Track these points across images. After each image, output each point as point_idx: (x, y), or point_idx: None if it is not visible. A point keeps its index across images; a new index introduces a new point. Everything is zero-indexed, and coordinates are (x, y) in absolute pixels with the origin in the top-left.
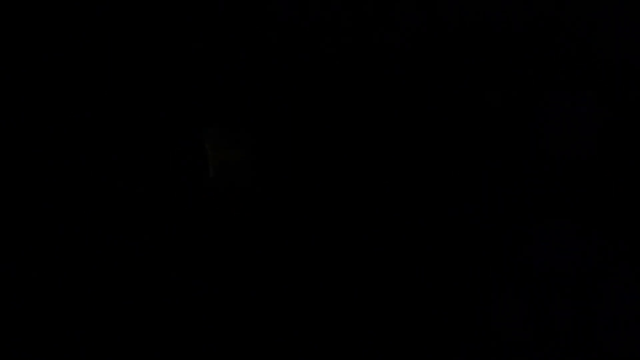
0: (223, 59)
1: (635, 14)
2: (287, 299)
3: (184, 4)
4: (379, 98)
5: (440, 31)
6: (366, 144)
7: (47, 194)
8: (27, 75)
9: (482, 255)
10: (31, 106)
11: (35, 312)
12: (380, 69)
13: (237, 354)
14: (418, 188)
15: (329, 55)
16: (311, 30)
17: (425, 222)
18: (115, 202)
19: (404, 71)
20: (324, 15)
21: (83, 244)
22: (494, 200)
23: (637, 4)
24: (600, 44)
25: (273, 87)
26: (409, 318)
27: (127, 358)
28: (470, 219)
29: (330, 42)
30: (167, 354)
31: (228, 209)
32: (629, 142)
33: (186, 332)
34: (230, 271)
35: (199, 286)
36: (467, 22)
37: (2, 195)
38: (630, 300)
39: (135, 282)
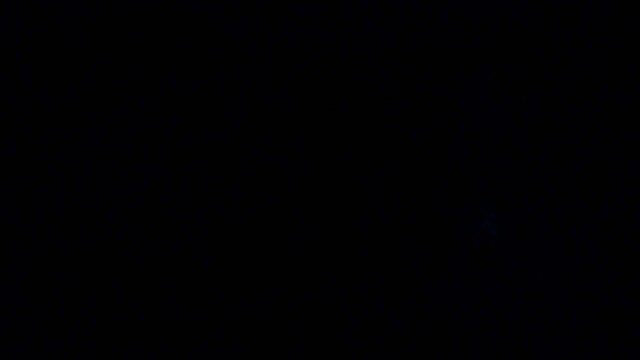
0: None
1: None
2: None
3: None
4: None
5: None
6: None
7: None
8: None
9: (415, 244)
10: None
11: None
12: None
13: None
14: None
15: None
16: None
17: (357, 215)
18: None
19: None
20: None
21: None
22: (420, 191)
23: None
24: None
25: (273, 87)
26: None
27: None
28: (400, 210)
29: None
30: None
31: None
32: (545, 120)
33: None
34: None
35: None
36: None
37: None
38: (553, 267)
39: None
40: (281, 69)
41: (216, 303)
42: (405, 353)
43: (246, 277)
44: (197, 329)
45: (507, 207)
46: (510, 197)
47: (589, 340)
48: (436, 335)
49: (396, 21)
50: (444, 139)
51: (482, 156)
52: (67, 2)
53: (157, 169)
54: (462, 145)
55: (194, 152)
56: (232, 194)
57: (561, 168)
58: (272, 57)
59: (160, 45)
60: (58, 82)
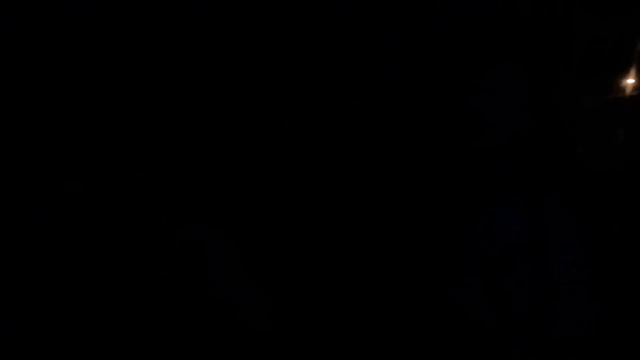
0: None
1: None
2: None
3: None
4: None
5: None
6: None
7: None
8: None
9: (437, 243)
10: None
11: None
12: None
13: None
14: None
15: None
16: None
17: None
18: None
19: None
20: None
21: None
22: (441, 189)
23: None
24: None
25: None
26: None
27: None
28: (421, 208)
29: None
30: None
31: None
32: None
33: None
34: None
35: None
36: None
37: None
38: (575, 266)
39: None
40: (281, 69)
41: (216, 303)
42: (426, 352)
43: (246, 277)
44: (197, 329)
45: (529, 205)
46: (531, 195)
47: (611, 340)
48: (457, 334)
49: (412, 18)
50: (464, 137)
51: (502, 153)
52: (67, 2)
53: (157, 168)
54: (482, 142)
55: (194, 152)
56: (232, 194)
57: (580, 163)
58: (272, 57)
59: (160, 45)
60: (58, 82)
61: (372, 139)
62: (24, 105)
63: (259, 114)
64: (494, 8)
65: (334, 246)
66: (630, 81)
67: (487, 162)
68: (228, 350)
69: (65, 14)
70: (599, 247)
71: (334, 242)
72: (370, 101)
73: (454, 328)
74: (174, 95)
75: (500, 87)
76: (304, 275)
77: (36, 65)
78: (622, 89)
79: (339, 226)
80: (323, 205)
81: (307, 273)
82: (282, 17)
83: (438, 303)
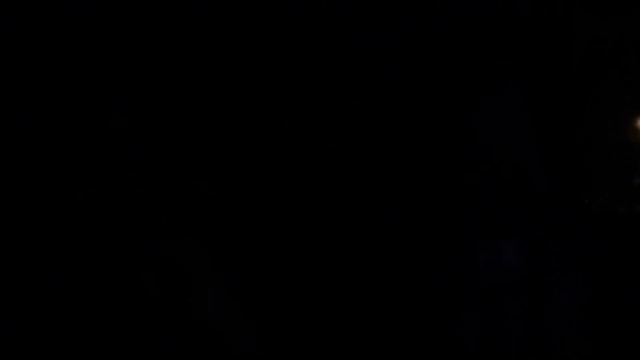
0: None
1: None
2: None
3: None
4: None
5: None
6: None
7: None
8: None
9: (437, 275)
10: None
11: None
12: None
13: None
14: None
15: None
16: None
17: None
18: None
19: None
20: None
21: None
22: (443, 222)
23: None
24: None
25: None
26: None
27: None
28: (422, 240)
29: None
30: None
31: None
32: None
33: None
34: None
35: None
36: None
37: None
38: (571, 300)
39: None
40: (281, 69)
41: (216, 303)
42: None
43: (246, 277)
44: (197, 329)
45: (528, 240)
46: (530, 230)
47: None
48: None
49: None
50: (465, 170)
51: (503, 187)
52: (67, 2)
53: (157, 168)
54: (484, 176)
55: (194, 152)
56: (232, 193)
57: (580, 200)
58: (272, 57)
59: (160, 45)
60: (57, 82)
61: (370, 170)
62: (23, 105)
63: (259, 114)
64: (494, 18)
65: (322, 270)
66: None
67: (488, 194)
68: None
69: (65, 13)
70: (597, 287)
71: (322, 266)
72: (370, 132)
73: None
74: (174, 95)
75: (504, 119)
76: (287, 298)
77: (35, 65)
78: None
79: (327, 252)
80: (308, 231)
81: (291, 296)
82: (280, 17)
83: (435, 333)
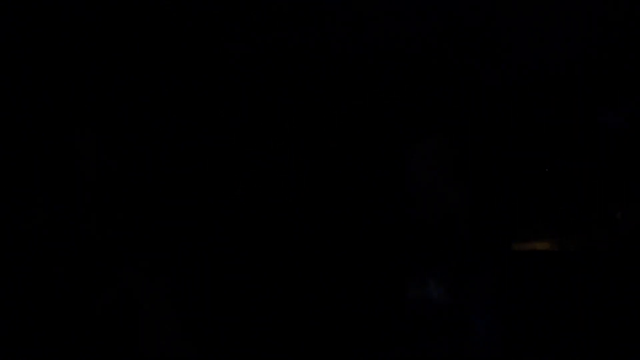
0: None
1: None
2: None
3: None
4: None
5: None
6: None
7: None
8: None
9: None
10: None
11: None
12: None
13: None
14: None
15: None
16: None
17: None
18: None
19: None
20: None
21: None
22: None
23: None
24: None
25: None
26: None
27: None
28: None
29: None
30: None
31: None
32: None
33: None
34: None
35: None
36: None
37: None
38: (492, 333)
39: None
40: (281, 69)
41: (216, 302)
42: None
43: (246, 276)
44: (197, 328)
45: (452, 274)
46: (454, 265)
47: None
48: None
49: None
50: (395, 213)
51: (429, 226)
52: (68, 2)
53: (157, 168)
54: (412, 217)
55: (194, 152)
56: (232, 193)
57: (502, 238)
58: (272, 57)
59: (160, 45)
60: (57, 82)
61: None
62: (23, 105)
63: (259, 114)
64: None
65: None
66: None
67: (416, 233)
68: None
69: (65, 13)
70: (517, 322)
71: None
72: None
73: None
74: (173, 95)
75: (431, 162)
76: (238, 326)
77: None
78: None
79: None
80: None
81: (242, 325)
82: (283, 17)
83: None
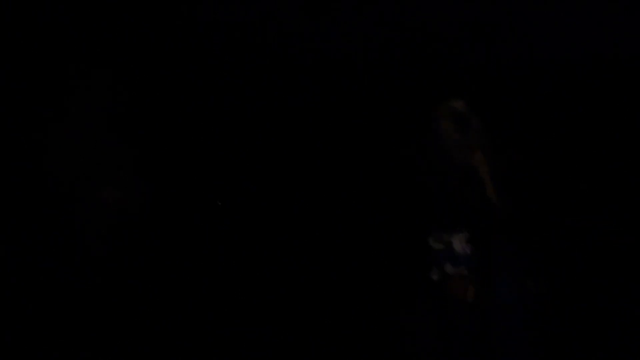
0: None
1: None
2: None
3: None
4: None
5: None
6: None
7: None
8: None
9: (392, 267)
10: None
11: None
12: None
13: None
14: None
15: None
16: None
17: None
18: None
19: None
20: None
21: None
22: (400, 219)
23: None
24: None
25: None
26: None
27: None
28: (378, 233)
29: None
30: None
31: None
32: None
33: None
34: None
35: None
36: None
37: None
38: (515, 296)
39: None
40: (281, 69)
41: (215, 302)
42: None
43: (245, 276)
44: (196, 328)
45: (476, 236)
46: (479, 227)
47: None
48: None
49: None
50: (423, 171)
51: (456, 188)
52: (68, 2)
53: (157, 168)
54: (438, 177)
55: (194, 152)
56: (232, 193)
57: (527, 201)
58: (272, 57)
59: (160, 45)
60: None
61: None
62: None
63: (259, 114)
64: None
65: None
66: None
67: (443, 195)
68: None
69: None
70: (541, 285)
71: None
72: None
73: (404, 354)
74: (174, 95)
75: (457, 127)
76: None
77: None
78: None
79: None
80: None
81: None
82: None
83: (391, 328)
